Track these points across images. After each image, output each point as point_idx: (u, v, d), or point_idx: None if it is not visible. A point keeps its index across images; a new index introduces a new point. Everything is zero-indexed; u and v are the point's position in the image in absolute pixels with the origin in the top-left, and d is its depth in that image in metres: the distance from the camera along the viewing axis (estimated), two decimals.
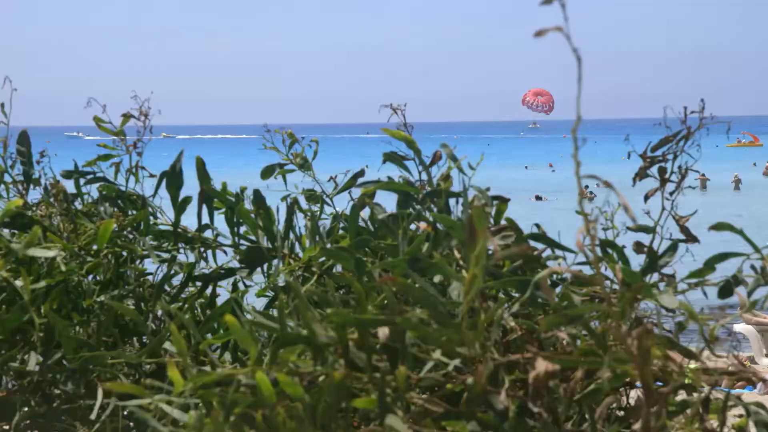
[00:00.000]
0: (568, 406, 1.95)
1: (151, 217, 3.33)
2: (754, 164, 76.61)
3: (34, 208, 3.35)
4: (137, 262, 3.27)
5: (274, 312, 2.87)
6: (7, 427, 2.95)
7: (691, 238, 3.00)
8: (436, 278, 2.69)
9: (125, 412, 2.73)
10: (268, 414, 1.81)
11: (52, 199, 3.37)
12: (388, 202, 3.13)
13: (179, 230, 3.30)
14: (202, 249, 3.34)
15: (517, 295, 2.66)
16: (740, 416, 2.53)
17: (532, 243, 2.91)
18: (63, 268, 3.01)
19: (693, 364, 2.30)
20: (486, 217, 2.87)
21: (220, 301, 3.26)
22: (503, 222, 2.94)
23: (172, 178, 3.24)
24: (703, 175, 55.46)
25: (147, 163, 3.42)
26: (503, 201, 3.09)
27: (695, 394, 2.13)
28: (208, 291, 3.33)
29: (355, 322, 1.88)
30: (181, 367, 2.20)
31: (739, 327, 14.62)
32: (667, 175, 2.91)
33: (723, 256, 2.68)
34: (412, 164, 3.10)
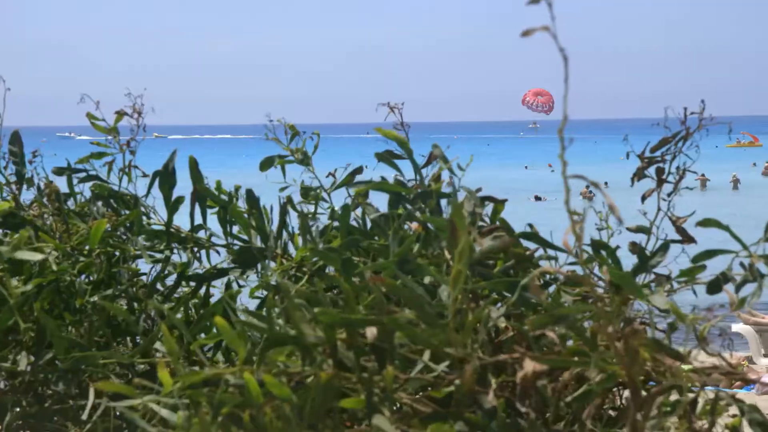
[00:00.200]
0: (556, 406, 1.95)
1: (144, 217, 3.32)
2: (754, 164, 76.65)
3: (27, 208, 3.35)
4: (131, 262, 3.27)
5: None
6: None
7: (687, 239, 2.99)
8: (427, 279, 2.69)
9: (117, 413, 2.73)
10: (256, 414, 1.81)
11: (45, 199, 3.36)
12: (383, 202, 3.12)
13: (172, 230, 3.29)
14: (195, 249, 3.33)
15: (509, 295, 2.66)
16: (734, 416, 2.53)
17: (525, 243, 2.91)
18: (55, 267, 3.01)
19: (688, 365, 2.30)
20: (476, 216, 2.87)
21: (213, 301, 3.25)
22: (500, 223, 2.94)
23: (165, 177, 3.23)
24: (703, 175, 55.55)
25: (143, 163, 3.41)
26: (498, 202, 3.08)
27: (689, 395, 2.13)
28: (202, 291, 3.33)
29: (343, 322, 1.88)
30: (171, 367, 2.20)
31: (737, 327, 14.61)
32: (664, 176, 2.91)
33: (710, 253, 2.68)
34: (409, 164, 3.10)
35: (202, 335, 2.94)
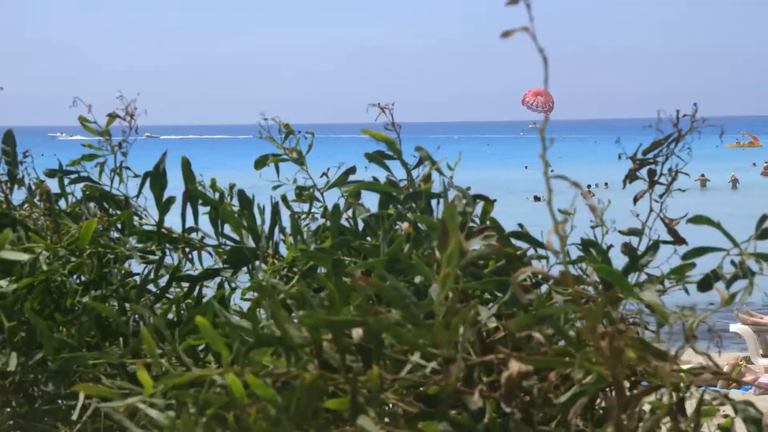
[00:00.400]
0: (542, 406, 1.95)
1: (136, 218, 3.32)
2: (754, 164, 76.64)
3: (18, 209, 3.35)
4: (125, 262, 3.26)
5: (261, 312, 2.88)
6: None
7: (678, 240, 2.99)
8: (417, 279, 2.69)
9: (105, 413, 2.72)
10: (240, 415, 1.80)
11: (37, 199, 3.36)
12: (375, 202, 3.11)
13: (163, 231, 3.29)
14: (187, 249, 3.33)
15: (501, 295, 2.65)
16: (726, 416, 2.52)
17: (516, 242, 2.91)
18: (45, 268, 3.00)
19: (684, 366, 2.29)
20: (467, 216, 2.87)
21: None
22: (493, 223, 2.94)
23: (156, 178, 3.23)
24: (703, 175, 55.67)
25: (135, 164, 3.41)
26: (488, 201, 3.08)
27: (677, 395, 2.12)
28: (196, 292, 3.33)
29: (327, 323, 1.88)
30: (164, 368, 2.20)
31: (736, 327, 14.60)
32: (656, 178, 2.91)
33: (701, 251, 2.68)
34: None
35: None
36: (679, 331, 2.41)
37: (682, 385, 1.97)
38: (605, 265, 2.66)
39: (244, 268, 3.26)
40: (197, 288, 3.33)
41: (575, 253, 2.84)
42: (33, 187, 3.38)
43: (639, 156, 2.91)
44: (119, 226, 3.29)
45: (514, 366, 1.82)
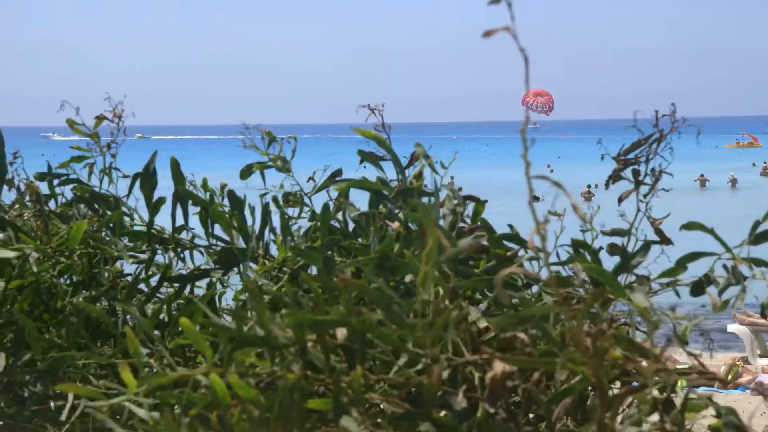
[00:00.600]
0: (527, 406, 1.94)
1: (126, 218, 3.31)
2: (753, 164, 76.60)
3: (8, 209, 3.34)
4: (117, 263, 3.26)
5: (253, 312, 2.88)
6: None
7: (664, 240, 2.99)
8: (408, 278, 2.69)
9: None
10: (223, 415, 1.80)
11: (27, 200, 3.35)
12: (366, 202, 3.11)
13: (154, 231, 3.28)
14: (177, 249, 3.32)
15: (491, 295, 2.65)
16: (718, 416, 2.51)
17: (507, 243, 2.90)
18: (35, 268, 3.00)
19: (681, 366, 2.29)
20: (457, 215, 2.86)
21: None
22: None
23: (146, 178, 3.22)
24: (702, 175, 55.72)
25: (125, 164, 3.40)
26: (479, 202, 3.08)
27: (660, 394, 2.12)
28: (187, 292, 3.32)
29: (311, 324, 1.87)
30: (155, 369, 2.20)
31: (733, 327, 14.59)
32: (641, 178, 2.91)
33: (694, 256, 2.68)
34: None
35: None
36: (670, 332, 2.41)
37: (665, 384, 1.96)
38: (596, 265, 2.66)
39: (235, 269, 3.26)
40: (188, 288, 3.33)
41: (569, 254, 2.83)
42: (23, 188, 3.37)
43: (621, 157, 2.92)
44: (111, 226, 3.28)
45: (498, 366, 1.81)
